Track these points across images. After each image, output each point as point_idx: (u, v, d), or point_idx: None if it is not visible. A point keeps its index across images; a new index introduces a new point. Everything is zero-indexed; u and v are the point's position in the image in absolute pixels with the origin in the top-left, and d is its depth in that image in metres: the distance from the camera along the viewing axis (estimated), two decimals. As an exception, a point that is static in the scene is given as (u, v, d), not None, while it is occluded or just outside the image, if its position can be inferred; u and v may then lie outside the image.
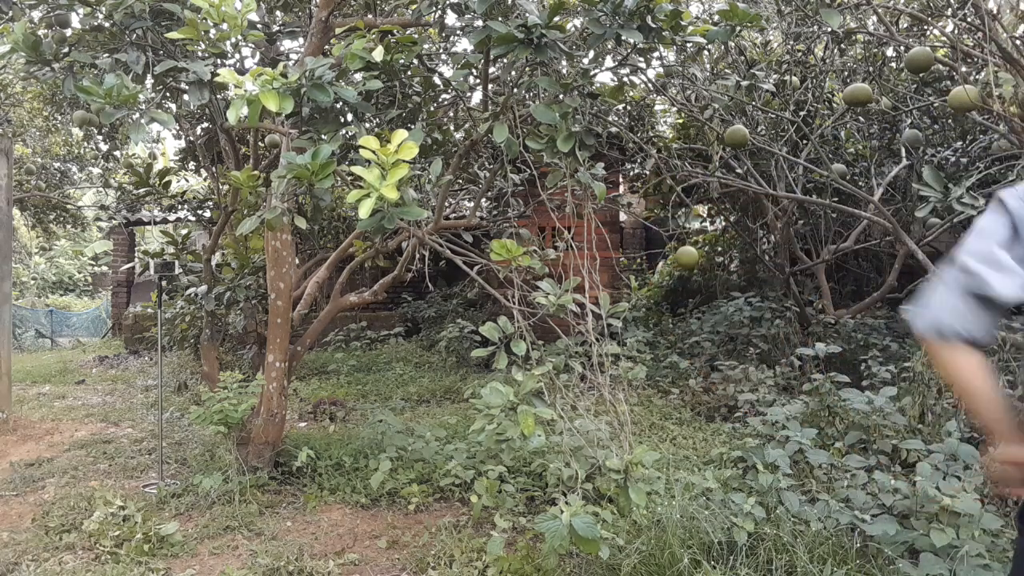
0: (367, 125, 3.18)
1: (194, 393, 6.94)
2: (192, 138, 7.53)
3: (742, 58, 5.34)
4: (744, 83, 4.04)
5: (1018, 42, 3.99)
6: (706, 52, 5.32)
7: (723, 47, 5.22)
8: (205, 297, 5.97)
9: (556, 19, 2.66)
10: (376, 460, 4.11)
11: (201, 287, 6.14)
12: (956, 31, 4.84)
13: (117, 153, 9.41)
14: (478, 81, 3.67)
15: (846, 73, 5.50)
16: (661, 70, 5.29)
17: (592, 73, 3.22)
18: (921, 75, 4.83)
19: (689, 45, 3.41)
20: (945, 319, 1.27)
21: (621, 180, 8.56)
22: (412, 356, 9.01)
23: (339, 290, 4.98)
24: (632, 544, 2.89)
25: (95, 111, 2.60)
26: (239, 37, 2.75)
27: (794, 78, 5.35)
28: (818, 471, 3.39)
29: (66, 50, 3.40)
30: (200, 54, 3.04)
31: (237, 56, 4.37)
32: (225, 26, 2.63)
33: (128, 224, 12.61)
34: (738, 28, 2.90)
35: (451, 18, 3.61)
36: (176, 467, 4.70)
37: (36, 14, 3.68)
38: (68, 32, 3.58)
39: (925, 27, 5.11)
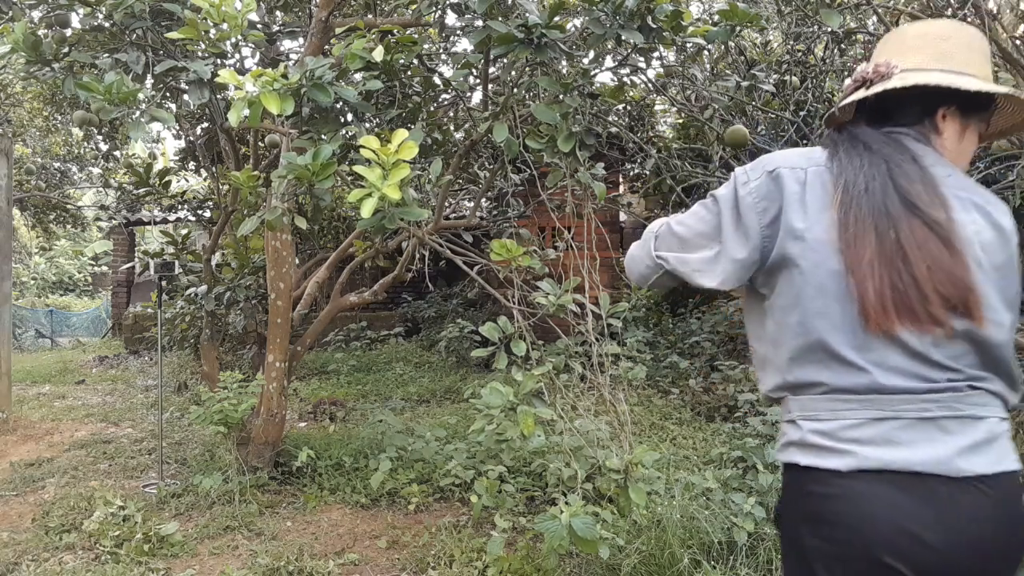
0: (367, 125, 3.17)
1: (194, 393, 6.94)
2: (192, 138, 7.53)
3: (742, 58, 5.34)
4: (744, 83, 4.04)
5: (1018, 42, 3.99)
6: (706, 52, 5.31)
7: (723, 47, 5.22)
8: (205, 297, 5.96)
9: (556, 19, 2.66)
10: (376, 460, 4.11)
11: (201, 287, 6.14)
12: (956, 31, 4.84)
13: (117, 153, 9.40)
14: (478, 81, 3.67)
15: (846, 73, 5.50)
16: (661, 70, 5.28)
17: (592, 73, 3.22)
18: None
19: (689, 45, 3.41)
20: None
21: (621, 180, 8.56)
22: (412, 356, 9.01)
23: (339, 290, 4.98)
24: (632, 544, 2.89)
25: (95, 109, 2.60)
26: (239, 37, 2.75)
27: (794, 78, 5.34)
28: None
29: (66, 50, 3.40)
30: (200, 54, 3.04)
31: (237, 56, 4.37)
32: (225, 26, 2.63)
33: (128, 224, 12.61)
34: (738, 28, 2.90)
35: (451, 18, 3.61)
36: (176, 467, 4.70)
37: (36, 14, 3.68)
38: (68, 32, 3.57)
39: (925, 27, 5.10)
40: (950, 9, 4.65)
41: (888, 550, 1.07)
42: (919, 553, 1.07)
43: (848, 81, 1.33)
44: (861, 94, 1.28)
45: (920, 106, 1.25)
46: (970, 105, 1.25)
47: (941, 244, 1.11)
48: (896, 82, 1.23)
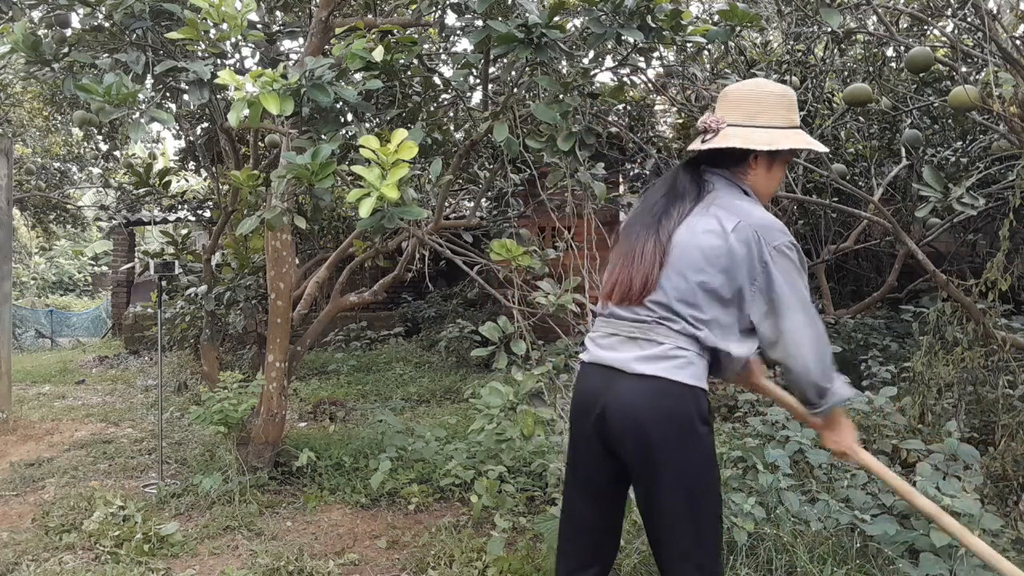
0: (367, 125, 3.17)
1: (194, 393, 6.94)
2: (192, 138, 7.53)
3: (742, 58, 5.33)
4: (744, 83, 4.03)
5: (1018, 42, 3.99)
6: (706, 52, 5.31)
7: (723, 47, 5.21)
8: (205, 297, 5.96)
9: (556, 19, 2.66)
10: (376, 460, 4.11)
11: (201, 287, 6.14)
12: (956, 31, 4.84)
13: (117, 153, 9.41)
14: (478, 81, 3.67)
15: (846, 73, 5.50)
16: (661, 70, 5.28)
17: (592, 73, 3.22)
18: (921, 75, 4.82)
19: (689, 45, 3.41)
20: None
21: (621, 180, 8.55)
22: (412, 356, 9.01)
23: (339, 290, 4.98)
24: (632, 544, 2.89)
25: (95, 110, 2.60)
26: (239, 37, 2.75)
27: (794, 78, 5.34)
28: (818, 471, 3.38)
29: (66, 50, 3.40)
30: (200, 54, 3.04)
31: (237, 56, 4.37)
32: (225, 26, 2.63)
33: (128, 224, 12.60)
34: (738, 28, 2.90)
35: (451, 18, 3.61)
36: (176, 467, 4.70)
37: (36, 14, 3.68)
38: (68, 32, 3.57)
39: (925, 27, 5.10)
40: (950, 9, 4.65)
41: (577, 404, 1.88)
42: (590, 408, 1.83)
43: (699, 123, 1.88)
44: (698, 146, 1.86)
45: (739, 153, 1.84)
46: (774, 151, 1.83)
47: (653, 262, 1.79)
48: (720, 142, 1.83)
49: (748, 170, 1.86)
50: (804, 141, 1.84)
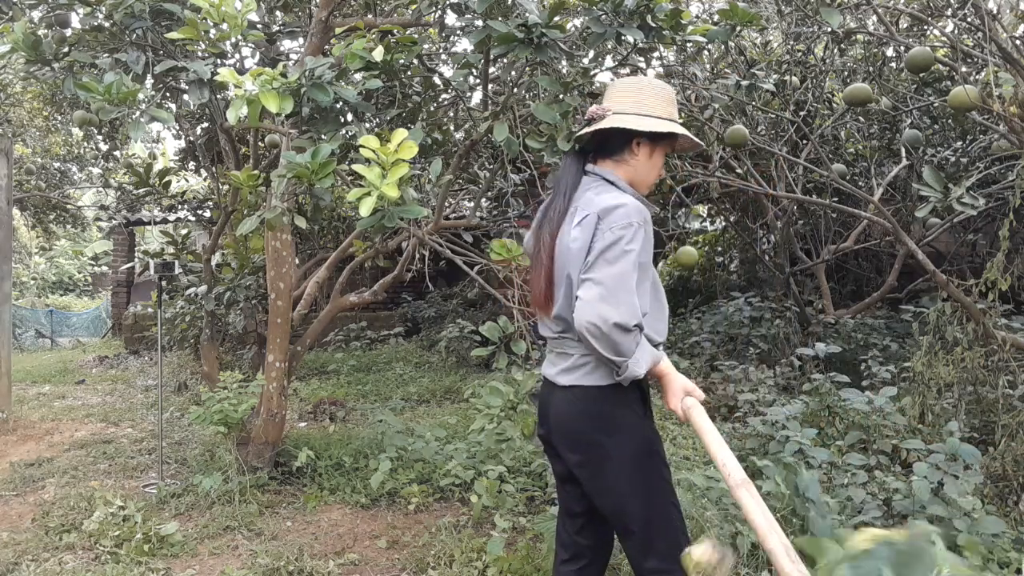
0: (367, 125, 3.17)
1: (194, 393, 6.94)
2: (192, 138, 7.53)
3: (742, 58, 5.33)
4: (744, 83, 4.03)
5: (1018, 42, 3.99)
6: (706, 52, 5.31)
7: (723, 47, 5.21)
8: (205, 297, 5.97)
9: (556, 19, 2.66)
10: (376, 460, 4.11)
11: (201, 287, 6.14)
12: (956, 31, 4.84)
13: (117, 153, 9.41)
14: (478, 81, 3.67)
15: (846, 73, 5.50)
16: (661, 70, 5.28)
17: (592, 73, 3.22)
18: (921, 75, 4.82)
19: (689, 45, 3.41)
20: None
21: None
22: (412, 356, 9.01)
23: (339, 290, 4.98)
24: (632, 544, 2.89)
25: (95, 109, 2.60)
26: (239, 37, 2.75)
27: (794, 78, 5.34)
28: (818, 471, 3.38)
29: (66, 50, 3.40)
30: (200, 54, 3.04)
31: (237, 56, 4.37)
32: (225, 26, 2.63)
33: (128, 224, 12.60)
34: (738, 28, 2.90)
35: (451, 18, 3.61)
36: (176, 467, 4.70)
37: (36, 14, 3.68)
38: (68, 32, 3.57)
39: (925, 27, 5.10)
40: (950, 9, 4.65)
41: (539, 413, 2.06)
42: (543, 416, 2.01)
43: (587, 113, 1.94)
44: (585, 131, 1.95)
45: (622, 139, 1.92)
46: (655, 137, 1.93)
47: (546, 266, 1.88)
48: (603, 124, 1.90)
49: (630, 157, 1.93)
50: (684, 131, 1.93)
